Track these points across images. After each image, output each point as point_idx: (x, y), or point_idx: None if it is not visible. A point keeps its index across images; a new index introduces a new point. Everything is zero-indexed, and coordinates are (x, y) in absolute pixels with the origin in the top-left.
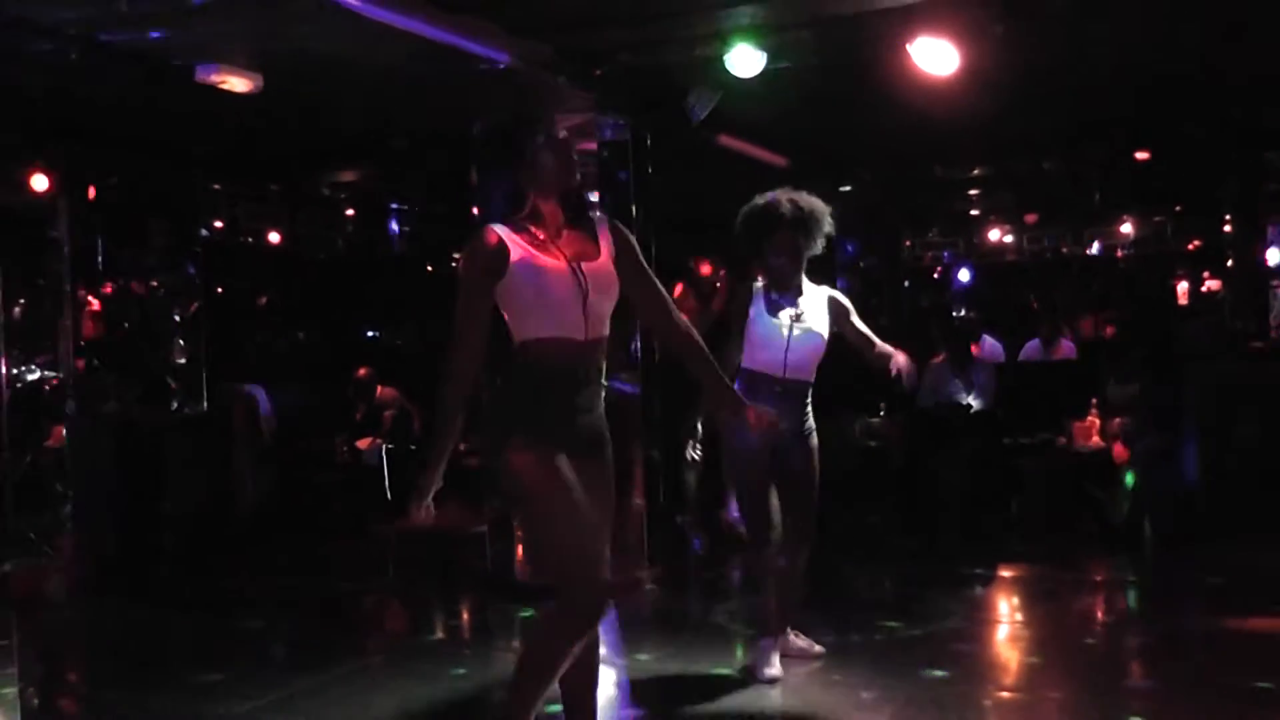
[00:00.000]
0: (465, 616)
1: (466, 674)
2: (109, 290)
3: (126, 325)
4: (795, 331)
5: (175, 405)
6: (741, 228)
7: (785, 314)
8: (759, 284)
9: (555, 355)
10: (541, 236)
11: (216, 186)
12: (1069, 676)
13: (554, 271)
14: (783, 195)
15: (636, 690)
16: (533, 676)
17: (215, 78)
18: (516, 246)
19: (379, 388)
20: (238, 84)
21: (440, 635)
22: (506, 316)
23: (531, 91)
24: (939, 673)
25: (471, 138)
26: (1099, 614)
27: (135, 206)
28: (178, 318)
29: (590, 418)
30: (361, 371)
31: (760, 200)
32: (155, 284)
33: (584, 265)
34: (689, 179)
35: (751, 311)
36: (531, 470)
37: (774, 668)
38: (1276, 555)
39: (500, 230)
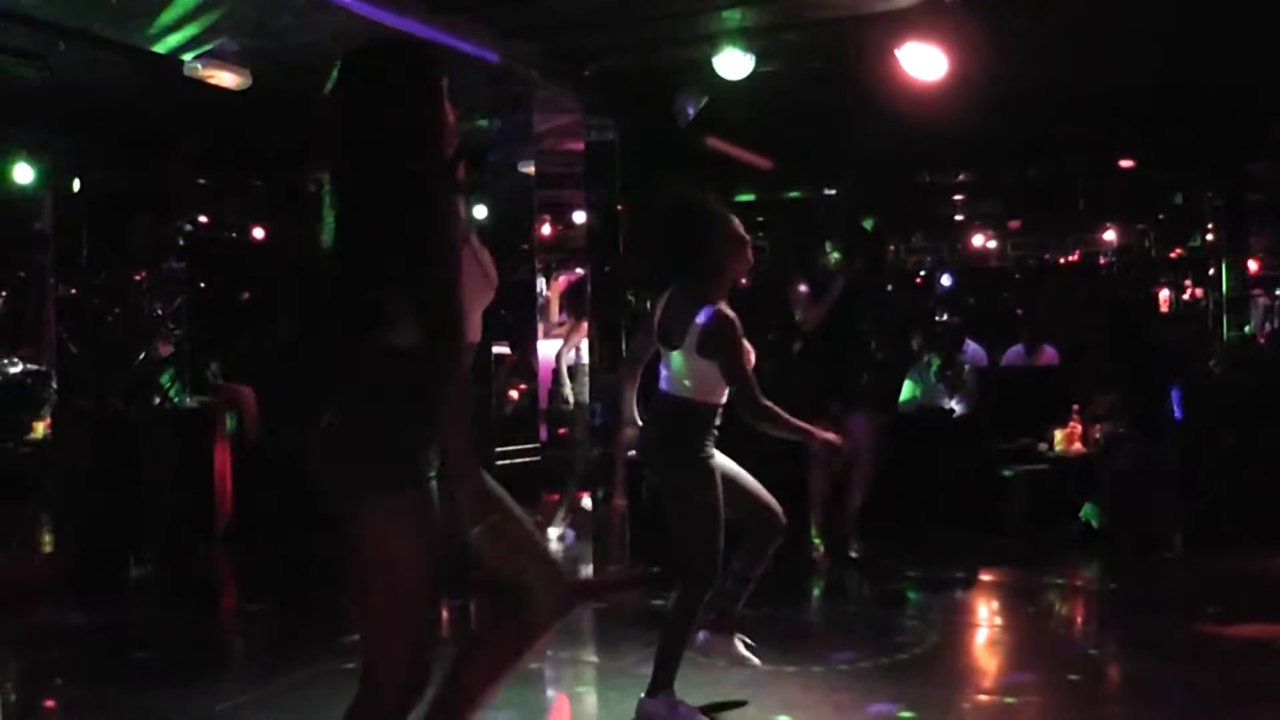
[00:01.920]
0: (444, 615)
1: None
2: (93, 284)
3: (110, 319)
4: None
5: (158, 400)
6: (712, 233)
7: None
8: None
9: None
10: None
11: (202, 181)
12: (1049, 680)
13: (484, 256)
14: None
15: (615, 693)
16: None
17: (203, 72)
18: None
19: None
20: (226, 78)
21: None
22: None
23: (519, 91)
24: (919, 675)
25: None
26: (1079, 619)
27: (120, 200)
28: (161, 312)
29: None
30: None
31: (712, 209)
32: (139, 278)
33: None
34: (676, 181)
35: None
36: (407, 526)
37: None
38: (1257, 562)
39: None
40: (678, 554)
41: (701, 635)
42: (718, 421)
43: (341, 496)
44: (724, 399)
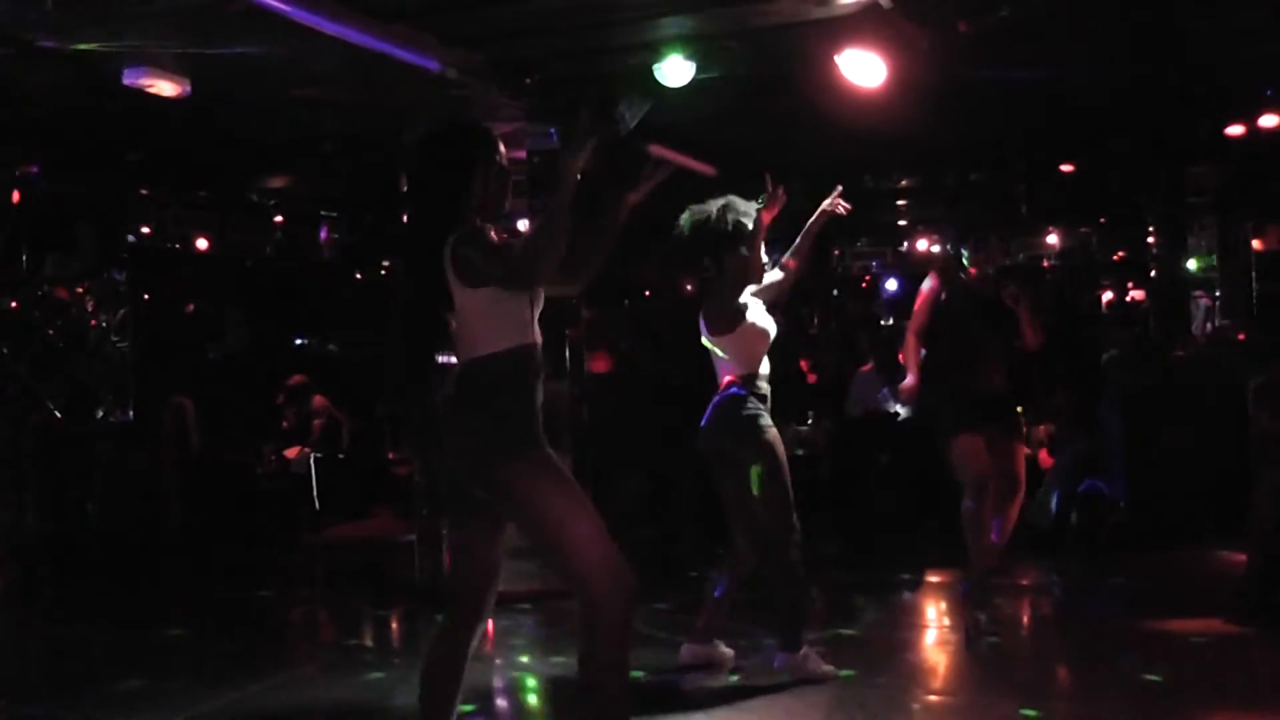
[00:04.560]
0: (394, 625)
1: (396, 683)
2: (35, 296)
3: (52, 332)
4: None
5: (101, 413)
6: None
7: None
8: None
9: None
10: None
11: (144, 192)
12: (995, 679)
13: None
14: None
15: (555, 696)
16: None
17: (143, 81)
18: None
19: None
20: (166, 88)
21: (370, 644)
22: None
23: (462, 99)
24: (867, 676)
25: (408, 144)
26: (1025, 617)
27: (62, 211)
28: (105, 324)
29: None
30: (296, 378)
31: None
32: (82, 290)
33: None
34: (618, 188)
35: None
36: (541, 476)
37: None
38: (1198, 559)
39: None
40: (750, 525)
41: (684, 648)
42: (764, 388)
43: (487, 473)
44: (761, 368)
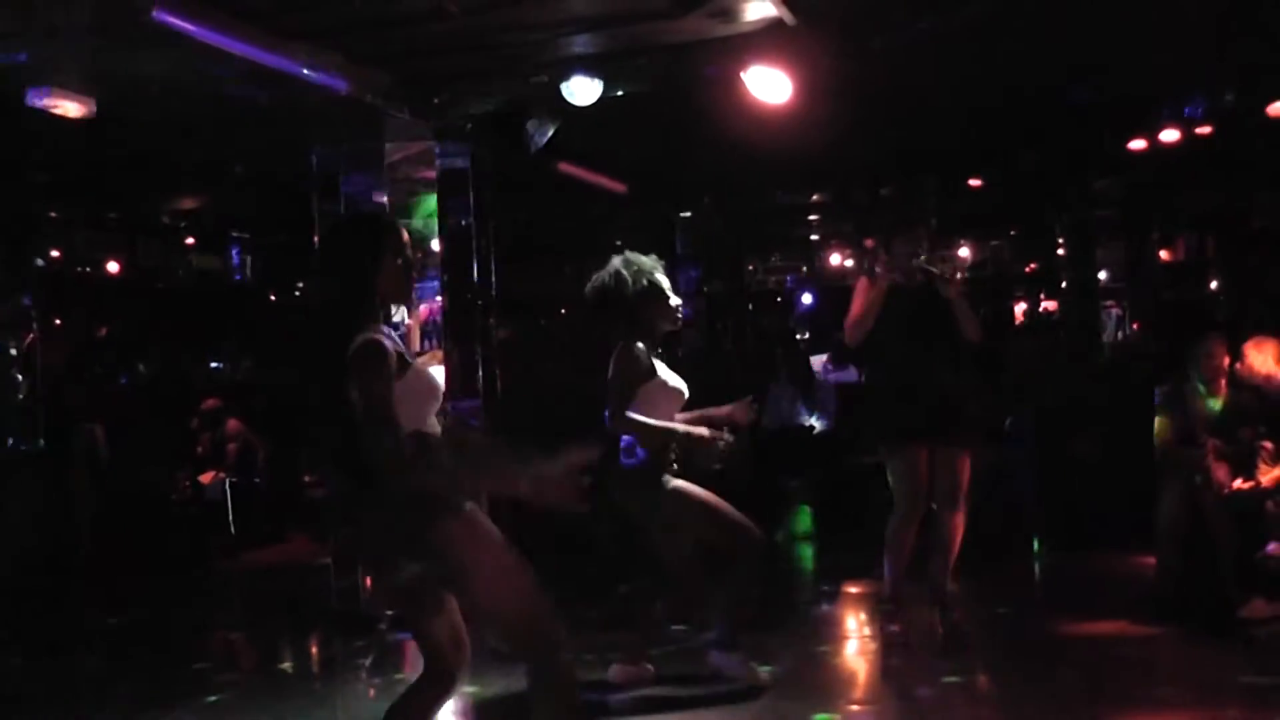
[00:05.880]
0: (313, 650)
1: (314, 707)
2: None
3: None
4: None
5: (10, 442)
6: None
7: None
8: (639, 345)
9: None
10: None
11: (53, 214)
12: (915, 686)
13: (426, 375)
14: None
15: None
16: None
17: (47, 101)
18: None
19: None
20: (71, 108)
21: (288, 669)
22: None
23: (370, 119)
24: (785, 688)
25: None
26: (940, 624)
27: None
28: (13, 350)
29: None
30: (210, 402)
31: (636, 270)
32: None
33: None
34: (529, 206)
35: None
36: (467, 539)
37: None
38: (1110, 564)
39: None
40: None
41: (613, 668)
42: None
43: (419, 540)
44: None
